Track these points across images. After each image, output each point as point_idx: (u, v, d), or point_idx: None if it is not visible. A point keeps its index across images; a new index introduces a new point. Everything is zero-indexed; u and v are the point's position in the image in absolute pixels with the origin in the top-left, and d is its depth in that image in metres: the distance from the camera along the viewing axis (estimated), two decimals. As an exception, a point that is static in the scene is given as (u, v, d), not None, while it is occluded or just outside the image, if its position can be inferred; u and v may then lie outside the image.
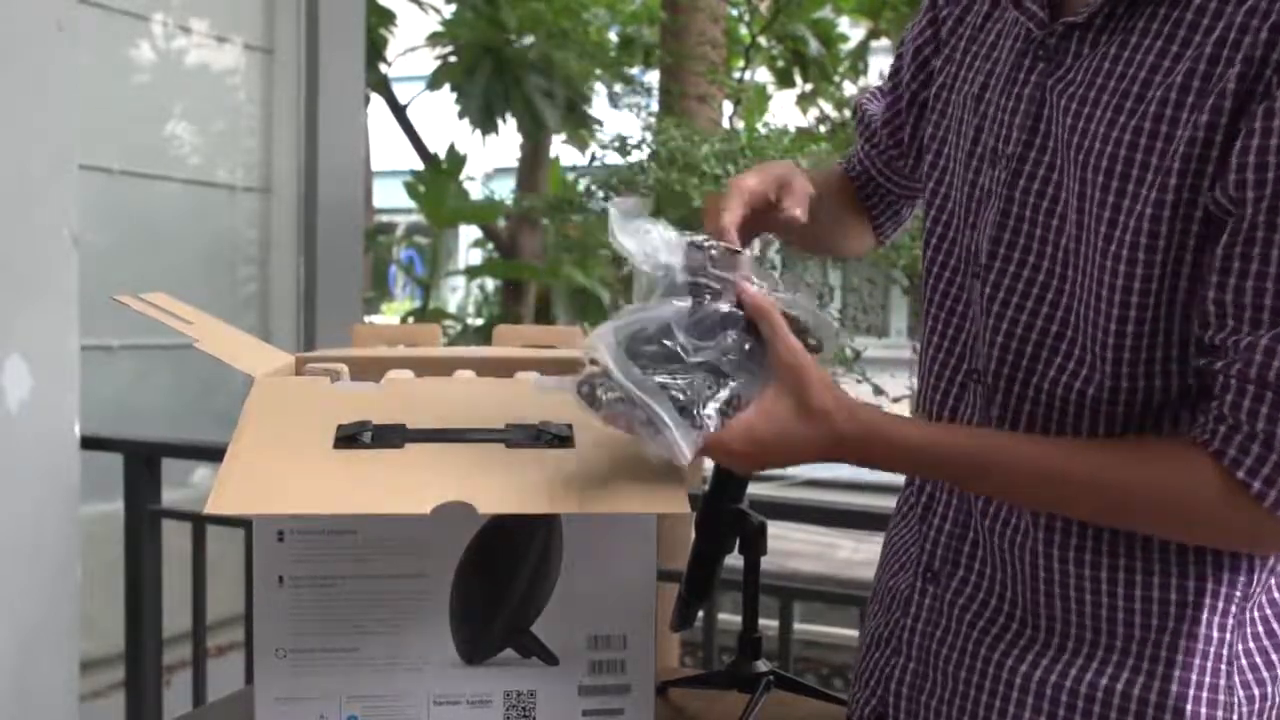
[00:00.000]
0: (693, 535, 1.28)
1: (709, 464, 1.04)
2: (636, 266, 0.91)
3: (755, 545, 1.24)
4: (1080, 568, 0.94)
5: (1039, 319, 0.95)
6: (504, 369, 1.21)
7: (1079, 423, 0.93)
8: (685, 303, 0.90)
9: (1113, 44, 0.92)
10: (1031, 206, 0.95)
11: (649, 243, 0.91)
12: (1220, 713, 0.91)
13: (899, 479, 1.11)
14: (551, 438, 1.04)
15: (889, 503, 1.20)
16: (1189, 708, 0.91)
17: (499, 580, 1.09)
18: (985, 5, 1.07)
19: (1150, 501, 0.88)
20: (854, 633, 2.59)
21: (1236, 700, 0.92)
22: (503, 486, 1.00)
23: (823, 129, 6.48)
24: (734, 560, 1.26)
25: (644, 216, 0.92)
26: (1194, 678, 0.91)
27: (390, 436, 1.03)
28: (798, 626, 2.43)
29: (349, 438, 1.02)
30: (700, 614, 1.37)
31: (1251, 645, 0.93)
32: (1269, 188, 0.81)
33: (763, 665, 1.28)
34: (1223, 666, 0.92)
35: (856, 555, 6.55)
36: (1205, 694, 0.91)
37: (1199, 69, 0.85)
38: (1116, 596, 0.93)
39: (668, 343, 0.89)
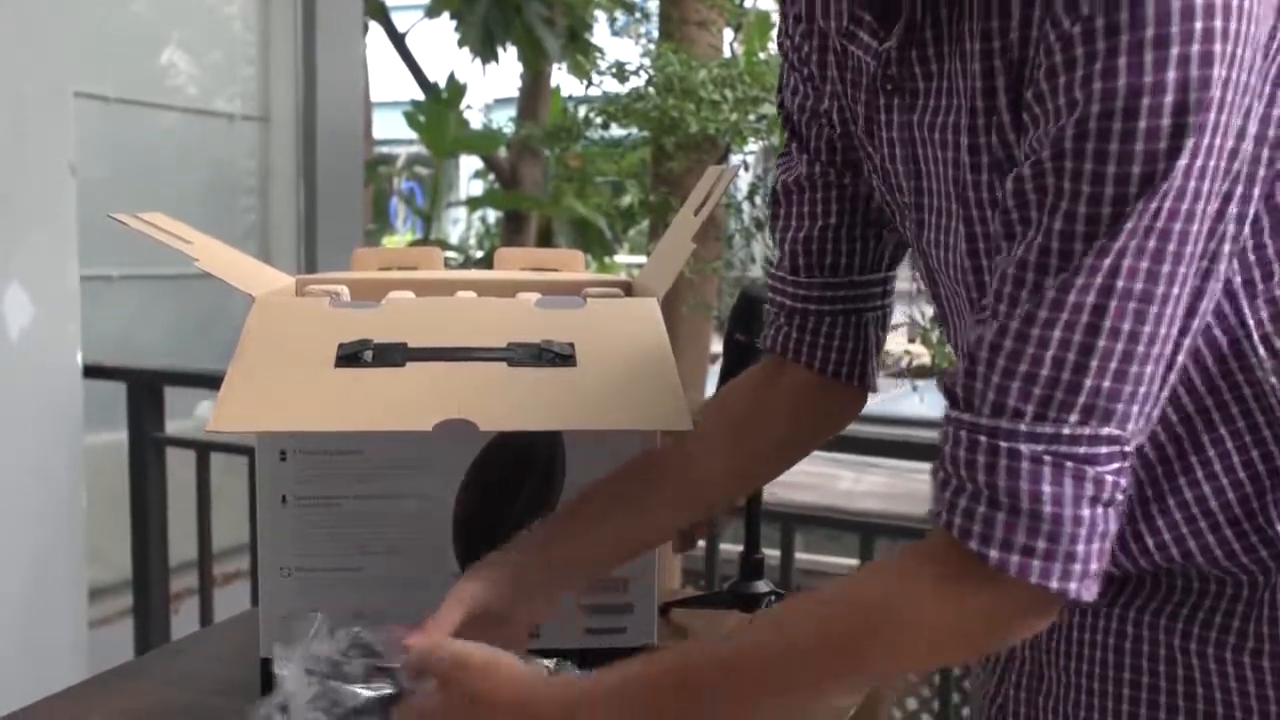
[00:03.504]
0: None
1: (711, 387, 1.02)
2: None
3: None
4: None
5: None
6: (505, 290, 1.20)
7: None
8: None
9: (953, 55, 0.78)
10: (938, 260, 0.86)
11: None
12: None
13: (912, 409, 1.06)
14: (554, 356, 1.04)
15: (889, 431, 1.20)
16: None
17: (502, 499, 1.09)
18: (830, 34, 0.90)
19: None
20: (854, 562, 2.61)
21: None
22: (505, 404, 1.00)
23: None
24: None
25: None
26: None
27: (391, 355, 1.02)
28: (799, 556, 2.44)
29: (350, 356, 1.01)
30: (701, 541, 1.38)
31: None
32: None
33: (764, 585, 1.29)
34: None
35: (858, 486, 6.57)
36: None
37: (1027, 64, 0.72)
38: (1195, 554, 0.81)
39: None
